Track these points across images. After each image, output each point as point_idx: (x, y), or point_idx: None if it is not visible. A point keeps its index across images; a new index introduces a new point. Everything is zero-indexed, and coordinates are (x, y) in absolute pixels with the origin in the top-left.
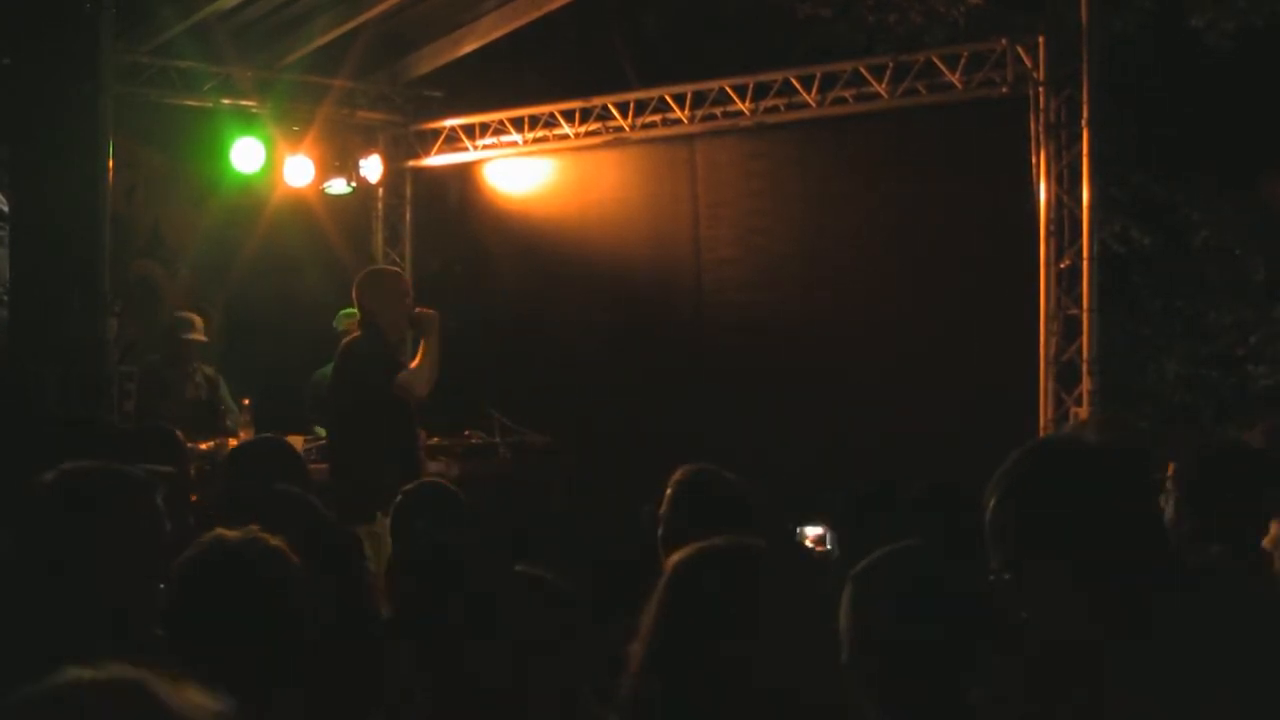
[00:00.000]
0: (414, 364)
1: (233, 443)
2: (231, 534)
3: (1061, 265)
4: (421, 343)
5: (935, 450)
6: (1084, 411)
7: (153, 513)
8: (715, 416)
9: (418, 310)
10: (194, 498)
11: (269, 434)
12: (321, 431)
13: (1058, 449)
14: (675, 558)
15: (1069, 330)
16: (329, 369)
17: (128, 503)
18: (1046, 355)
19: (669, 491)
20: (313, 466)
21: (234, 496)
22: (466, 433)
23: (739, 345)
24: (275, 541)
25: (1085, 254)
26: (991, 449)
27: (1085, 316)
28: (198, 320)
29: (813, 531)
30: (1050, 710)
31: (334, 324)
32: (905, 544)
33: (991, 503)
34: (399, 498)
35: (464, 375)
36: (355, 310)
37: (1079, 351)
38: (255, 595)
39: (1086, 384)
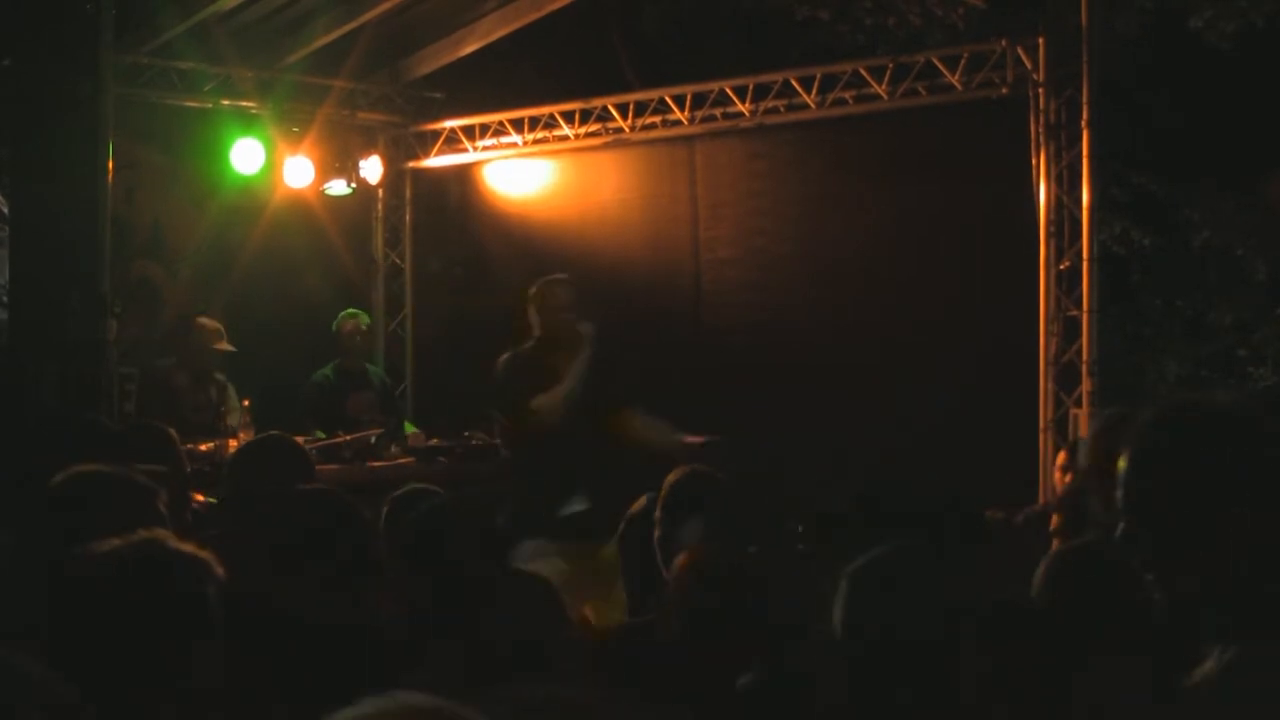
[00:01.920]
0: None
1: (233, 443)
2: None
3: (1061, 266)
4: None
5: (935, 450)
6: (1084, 412)
7: (154, 515)
8: (714, 416)
9: (577, 327)
10: (199, 497)
11: (276, 431)
12: (321, 434)
13: (1197, 408)
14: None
15: (1069, 331)
16: (327, 370)
17: (129, 506)
18: (1046, 356)
19: (662, 494)
20: (320, 466)
21: (246, 495)
22: (467, 433)
23: (738, 345)
24: (172, 544)
25: (1085, 255)
26: (991, 449)
27: (1085, 317)
28: (221, 330)
29: None
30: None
31: (332, 326)
32: (905, 543)
33: (1127, 463)
34: (388, 502)
35: (464, 376)
36: (356, 311)
37: (1079, 352)
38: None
39: (1086, 385)
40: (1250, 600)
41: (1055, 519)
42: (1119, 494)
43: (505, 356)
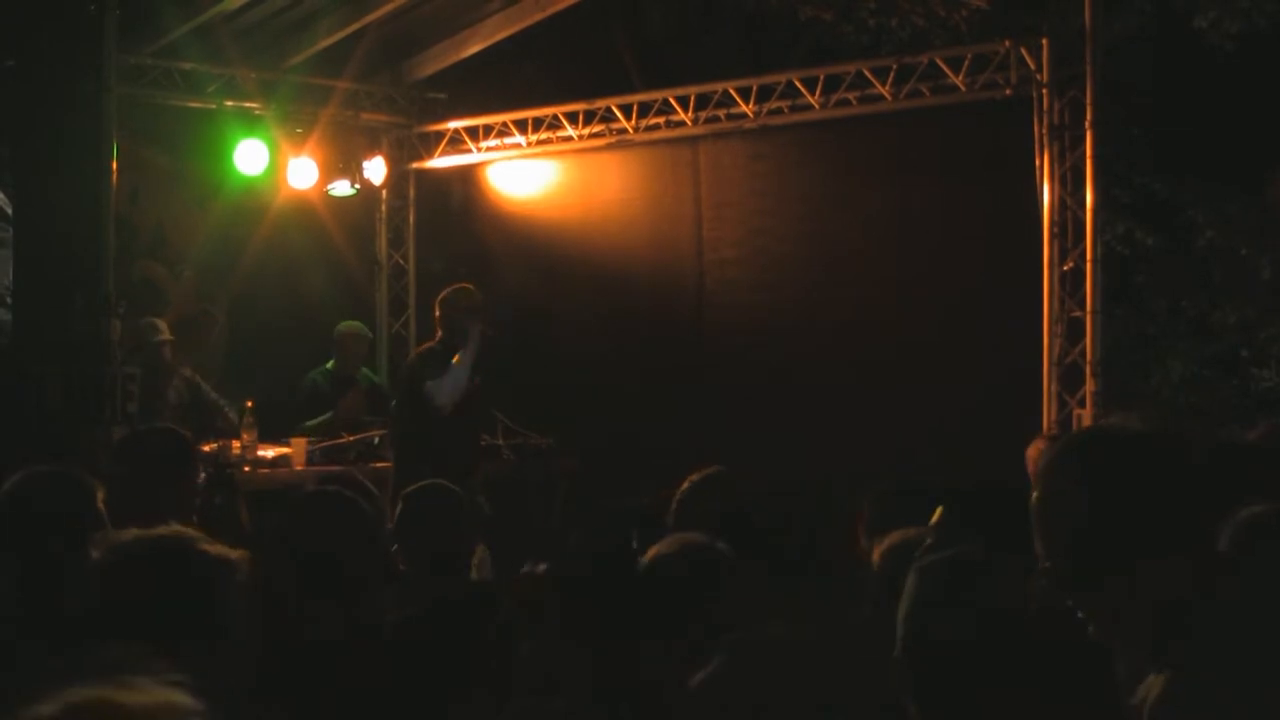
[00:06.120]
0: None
1: (235, 443)
2: None
3: (1065, 267)
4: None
5: (939, 451)
6: (1088, 413)
7: (93, 516)
8: (717, 417)
9: (465, 324)
10: None
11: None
12: (311, 424)
13: (1111, 436)
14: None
15: (1072, 332)
16: (319, 374)
17: (69, 511)
18: (1050, 357)
19: (678, 496)
20: (320, 467)
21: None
22: None
23: (741, 346)
24: None
25: (1089, 255)
26: (994, 450)
27: (1089, 318)
28: (161, 323)
29: None
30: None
31: (334, 332)
32: (973, 544)
33: (1038, 495)
34: (402, 501)
35: None
36: (359, 324)
37: (1082, 353)
38: None
39: (1090, 385)
40: (1169, 629)
41: None
42: (1035, 525)
43: (419, 351)
